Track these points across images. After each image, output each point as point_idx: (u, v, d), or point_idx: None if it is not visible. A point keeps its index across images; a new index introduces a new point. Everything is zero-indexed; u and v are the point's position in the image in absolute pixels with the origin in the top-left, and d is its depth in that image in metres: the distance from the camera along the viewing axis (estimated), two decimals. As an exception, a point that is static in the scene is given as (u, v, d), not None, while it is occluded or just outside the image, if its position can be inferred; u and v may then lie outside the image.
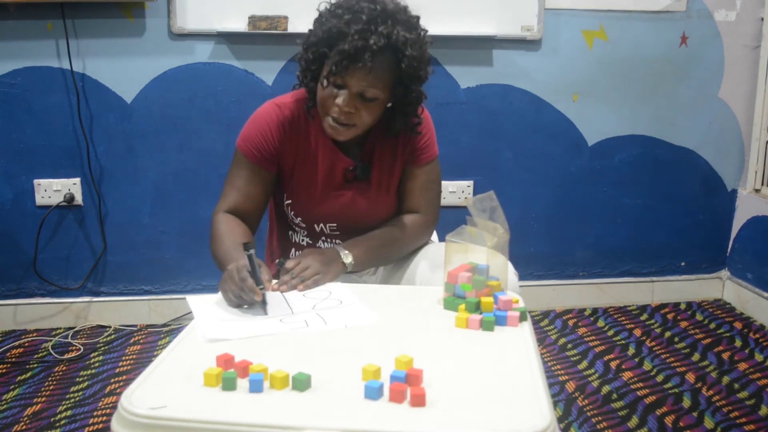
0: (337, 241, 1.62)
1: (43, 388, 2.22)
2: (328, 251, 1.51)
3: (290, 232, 1.69)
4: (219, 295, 1.33)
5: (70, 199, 2.59)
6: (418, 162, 1.61)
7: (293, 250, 1.69)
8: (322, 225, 1.61)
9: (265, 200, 1.61)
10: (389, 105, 1.50)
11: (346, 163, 1.58)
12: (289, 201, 1.62)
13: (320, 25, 1.45)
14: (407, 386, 0.94)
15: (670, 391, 2.24)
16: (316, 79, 1.49)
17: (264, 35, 2.51)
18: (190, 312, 1.27)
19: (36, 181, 2.58)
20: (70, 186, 2.60)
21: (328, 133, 1.50)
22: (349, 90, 1.42)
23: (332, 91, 1.44)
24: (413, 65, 1.43)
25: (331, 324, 1.21)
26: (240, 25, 2.50)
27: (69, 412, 2.08)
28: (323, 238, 1.64)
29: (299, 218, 1.62)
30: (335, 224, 1.61)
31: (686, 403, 2.17)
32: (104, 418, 2.05)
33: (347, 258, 1.49)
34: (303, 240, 1.67)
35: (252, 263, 1.29)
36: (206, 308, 1.28)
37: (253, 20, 2.48)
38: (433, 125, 1.66)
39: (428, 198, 1.65)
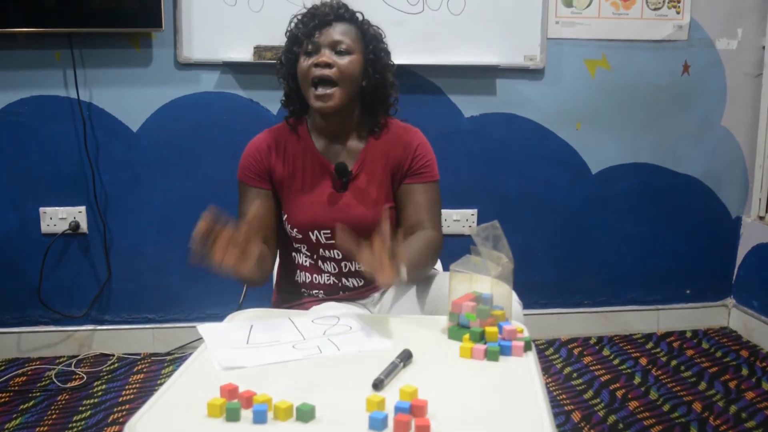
0: (336, 252, 1.64)
1: (45, 417, 2.21)
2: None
3: (294, 254, 1.72)
4: (229, 323, 1.37)
5: (75, 227, 2.60)
6: (420, 179, 1.66)
7: (298, 271, 1.71)
8: (317, 233, 1.64)
9: (275, 219, 1.67)
10: (364, 84, 1.61)
11: (331, 168, 1.64)
12: (286, 215, 1.66)
13: (289, 29, 1.64)
14: (412, 417, 0.93)
15: (677, 421, 2.22)
16: (296, 79, 1.61)
17: (269, 65, 2.52)
18: (194, 341, 1.27)
19: (41, 209, 2.59)
20: (76, 214, 2.61)
21: (317, 108, 1.57)
22: (322, 44, 1.56)
23: (308, 60, 1.57)
24: (376, 32, 1.64)
25: (344, 349, 1.21)
26: (245, 55, 2.53)
27: (71, 442, 2.07)
28: (321, 249, 1.66)
29: (295, 229, 1.65)
30: (329, 231, 1.63)
31: (693, 433, 2.15)
32: (106, 447, 2.04)
33: (403, 272, 1.38)
34: (306, 261, 1.69)
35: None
36: (218, 336, 1.28)
37: (258, 50, 2.51)
38: (433, 153, 1.70)
39: (435, 215, 1.68)
